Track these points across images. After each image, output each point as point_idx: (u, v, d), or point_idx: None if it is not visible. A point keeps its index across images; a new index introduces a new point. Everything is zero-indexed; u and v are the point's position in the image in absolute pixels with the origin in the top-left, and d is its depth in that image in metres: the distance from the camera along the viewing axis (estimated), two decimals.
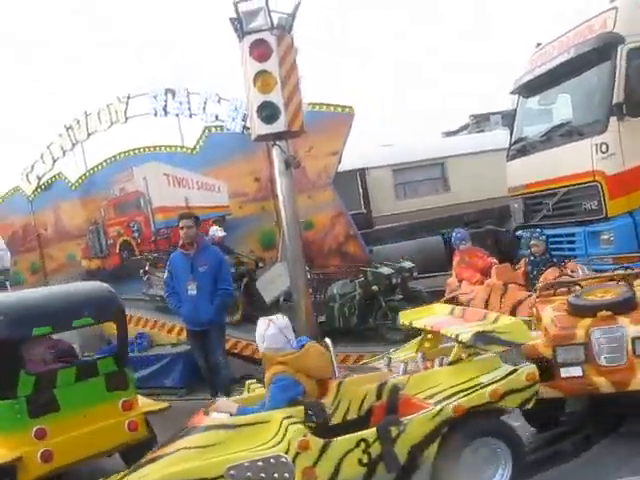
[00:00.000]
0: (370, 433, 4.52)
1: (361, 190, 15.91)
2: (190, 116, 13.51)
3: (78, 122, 14.82)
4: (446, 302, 8.72)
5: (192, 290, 7.65)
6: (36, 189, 15.94)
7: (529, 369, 4.99)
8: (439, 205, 16.00)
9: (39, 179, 15.83)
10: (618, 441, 5.74)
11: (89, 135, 14.81)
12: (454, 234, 9.96)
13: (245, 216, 13.39)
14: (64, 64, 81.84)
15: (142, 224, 14.67)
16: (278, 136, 7.32)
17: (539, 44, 10.85)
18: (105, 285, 6.98)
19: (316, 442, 4.42)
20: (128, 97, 14.11)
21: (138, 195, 14.62)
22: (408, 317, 6.16)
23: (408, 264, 10.56)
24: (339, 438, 4.49)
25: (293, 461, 4.37)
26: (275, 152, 7.47)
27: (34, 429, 5.51)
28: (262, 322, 5.08)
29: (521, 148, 10.90)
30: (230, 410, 4.83)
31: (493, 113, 26.05)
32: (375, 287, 9.88)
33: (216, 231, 11.70)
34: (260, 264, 11.81)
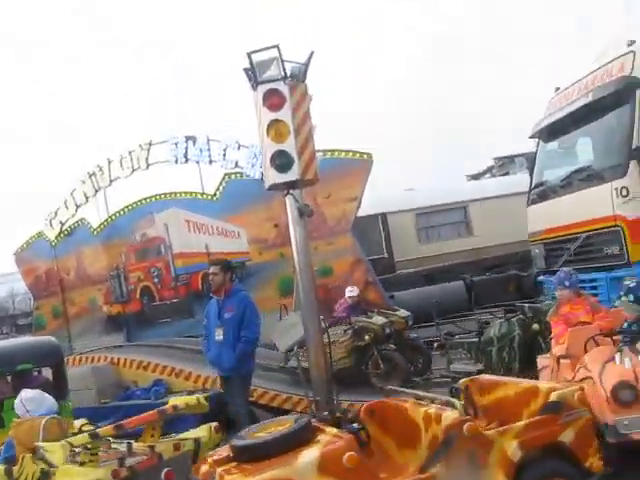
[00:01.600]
0: None
1: (383, 234, 15.85)
2: (210, 163, 13.62)
3: (100, 169, 15.00)
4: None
5: (219, 336, 7.63)
6: (59, 234, 16.12)
7: None
8: (462, 249, 15.90)
9: (62, 224, 16.02)
10: None
11: (111, 182, 14.98)
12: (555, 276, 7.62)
13: (264, 262, 13.39)
14: (64, 64, 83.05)
15: (162, 270, 14.69)
16: (292, 185, 7.22)
17: (558, 88, 10.78)
18: (52, 340, 9.09)
19: None
20: (149, 144, 14.27)
21: (159, 241, 14.69)
22: None
23: None
24: None
25: None
26: (289, 201, 7.37)
27: None
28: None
29: (541, 193, 10.74)
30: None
31: (517, 155, 25.99)
32: (536, 325, 8.01)
33: (351, 292, 11.14)
34: (410, 322, 10.91)
